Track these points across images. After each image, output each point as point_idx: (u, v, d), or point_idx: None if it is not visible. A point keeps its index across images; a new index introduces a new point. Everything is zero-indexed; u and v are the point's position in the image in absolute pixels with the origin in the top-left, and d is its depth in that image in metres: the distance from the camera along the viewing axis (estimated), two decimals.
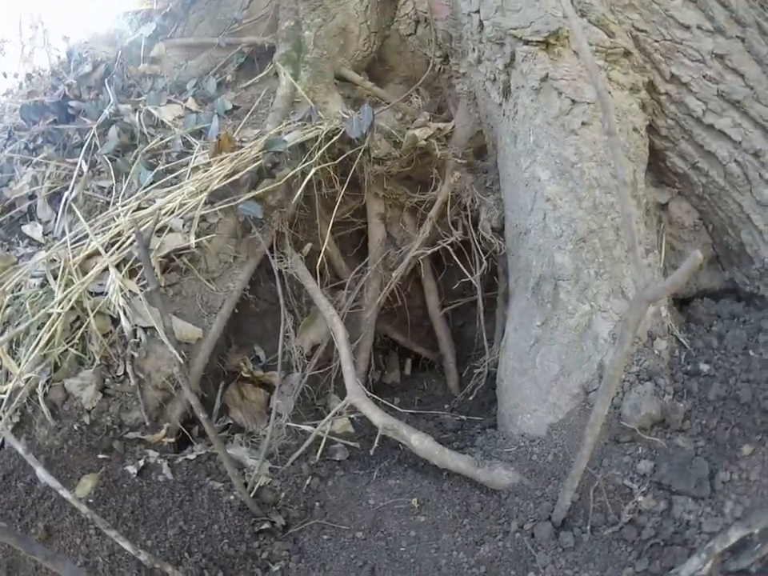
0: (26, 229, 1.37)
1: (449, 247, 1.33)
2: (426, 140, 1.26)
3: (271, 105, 1.35)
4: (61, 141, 1.56)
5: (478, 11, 1.12)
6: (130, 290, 1.03)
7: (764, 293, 1.10)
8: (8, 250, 1.31)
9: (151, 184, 1.20)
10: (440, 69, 1.47)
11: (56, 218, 1.34)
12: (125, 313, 1.00)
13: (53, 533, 0.85)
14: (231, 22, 1.63)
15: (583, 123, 1.02)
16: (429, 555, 0.93)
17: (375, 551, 0.95)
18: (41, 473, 0.78)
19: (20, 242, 1.36)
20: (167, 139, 1.28)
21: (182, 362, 0.91)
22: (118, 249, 1.06)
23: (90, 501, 0.89)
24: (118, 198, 1.23)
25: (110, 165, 1.32)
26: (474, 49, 1.19)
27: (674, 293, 1.10)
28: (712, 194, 1.14)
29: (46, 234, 1.34)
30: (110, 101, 1.49)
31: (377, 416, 1.04)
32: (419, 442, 1.00)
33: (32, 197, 1.47)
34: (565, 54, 1.02)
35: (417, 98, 1.58)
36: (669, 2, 1.03)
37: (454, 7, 1.25)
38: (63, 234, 1.23)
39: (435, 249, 1.35)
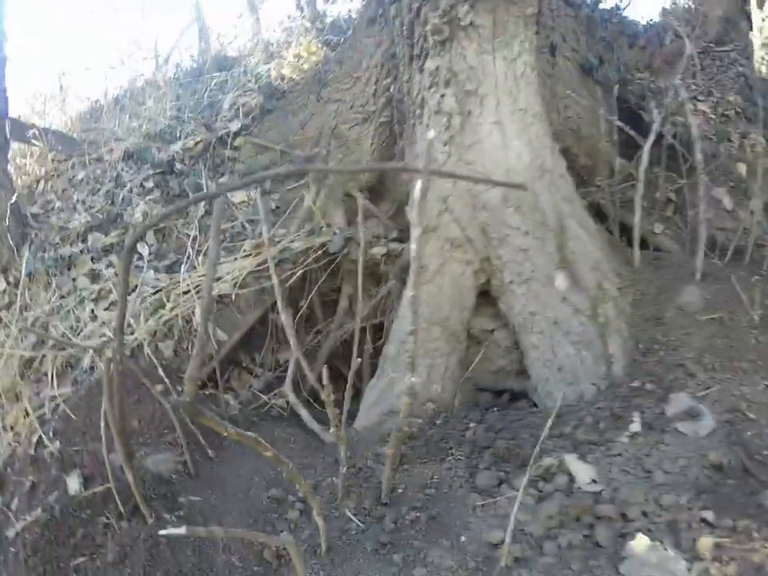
0: (138, 246, 2.41)
1: None
2: (381, 256, 2.22)
3: (297, 212, 2.35)
4: (165, 189, 2.60)
5: None
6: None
7: None
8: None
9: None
10: None
11: (158, 246, 2.37)
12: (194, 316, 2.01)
13: None
14: (288, 135, 2.63)
15: None
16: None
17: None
18: None
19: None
20: (232, 223, 2.31)
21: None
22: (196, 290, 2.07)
23: None
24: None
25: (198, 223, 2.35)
26: None
27: None
28: None
29: (150, 254, 2.37)
30: (201, 174, 2.53)
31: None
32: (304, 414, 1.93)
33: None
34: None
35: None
36: (504, 209, 1.88)
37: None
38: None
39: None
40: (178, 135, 2.74)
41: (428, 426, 1.73)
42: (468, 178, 1.66)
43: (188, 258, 2.21)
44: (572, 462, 1.32)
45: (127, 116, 3.22)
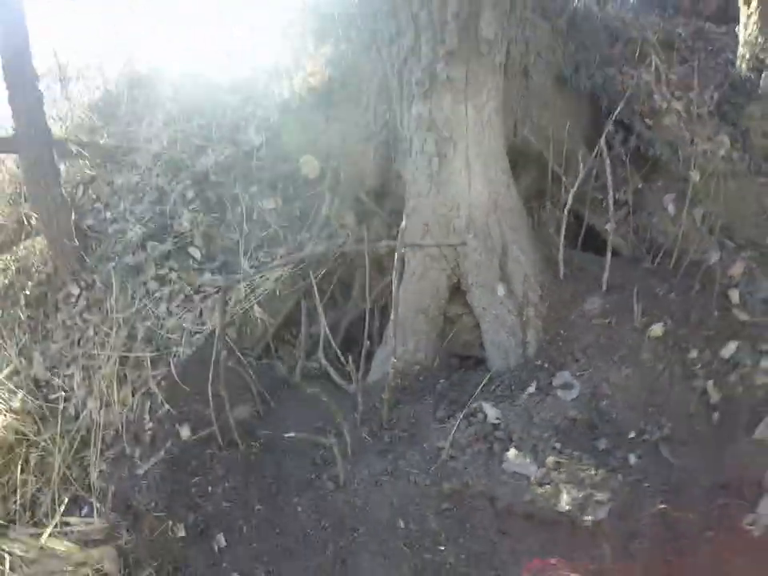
0: (191, 250, 3.78)
1: None
2: (383, 251, 3.57)
3: (317, 217, 3.67)
4: (204, 199, 3.93)
5: None
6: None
7: None
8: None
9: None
10: None
11: (207, 250, 3.74)
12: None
13: None
14: (303, 147, 3.88)
15: None
16: None
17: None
18: None
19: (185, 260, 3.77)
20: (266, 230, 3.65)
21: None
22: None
23: None
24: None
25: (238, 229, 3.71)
26: None
27: None
28: None
29: (201, 257, 3.74)
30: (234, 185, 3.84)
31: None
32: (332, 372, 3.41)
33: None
34: None
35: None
36: (467, 234, 3.25)
37: None
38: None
39: None
40: (204, 145, 4.02)
41: (415, 381, 3.21)
42: (427, 245, 3.11)
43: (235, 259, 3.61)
44: (487, 407, 2.79)
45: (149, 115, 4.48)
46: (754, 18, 3.97)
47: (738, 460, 2.79)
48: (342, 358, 3.14)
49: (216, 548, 2.71)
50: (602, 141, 3.28)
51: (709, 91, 4.38)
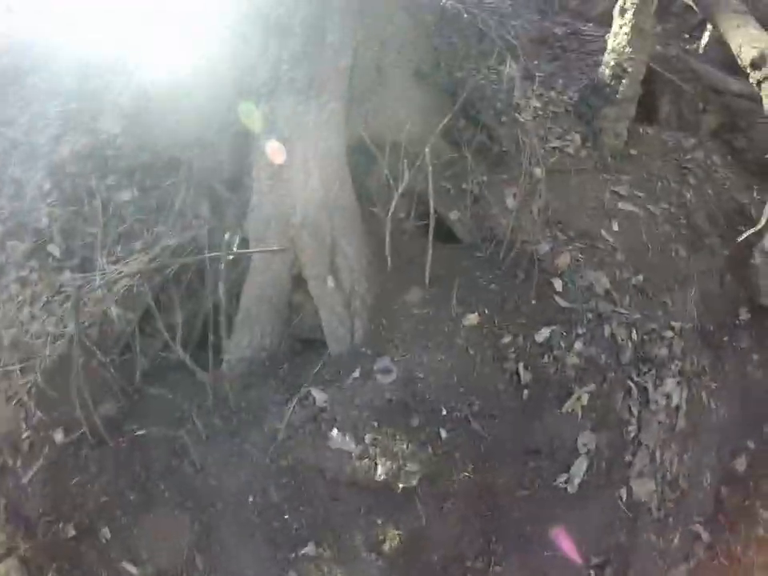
0: (50, 248, 4.11)
1: None
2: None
3: (172, 209, 4.09)
4: (63, 191, 4.28)
5: None
6: None
7: None
8: None
9: None
10: None
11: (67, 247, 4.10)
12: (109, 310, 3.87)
13: None
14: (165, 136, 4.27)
15: None
16: None
17: None
18: None
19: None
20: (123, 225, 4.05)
21: None
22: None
23: None
24: None
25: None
26: None
27: None
28: None
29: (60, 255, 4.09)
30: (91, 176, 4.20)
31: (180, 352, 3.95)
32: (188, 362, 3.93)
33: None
34: None
35: None
36: (302, 230, 3.76)
37: None
38: None
39: None
40: (59, 133, 4.35)
41: (261, 367, 3.76)
42: (250, 252, 3.64)
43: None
44: (316, 392, 3.41)
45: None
46: (626, 29, 4.51)
47: (548, 429, 3.45)
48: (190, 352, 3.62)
49: (104, 540, 3.22)
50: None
51: (570, 91, 5.03)
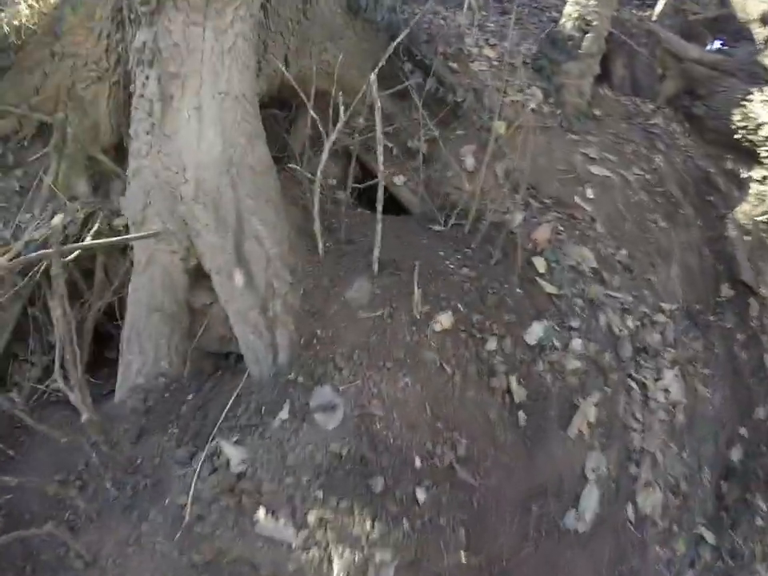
0: None
1: None
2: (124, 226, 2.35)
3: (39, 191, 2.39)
4: None
5: None
6: None
7: None
8: None
9: None
10: None
11: None
12: None
13: None
14: (29, 94, 2.54)
15: None
16: None
17: None
18: None
19: None
20: None
21: None
22: None
23: None
24: None
25: None
26: None
27: None
28: None
29: None
30: None
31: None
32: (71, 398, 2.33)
33: None
34: None
35: None
36: (195, 205, 2.06)
37: None
38: None
39: None
40: None
41: (161, 399, 2.09)
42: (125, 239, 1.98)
43: None
44: (228, 448, 1.75)
45: None
46: None
47: (553, 459, 2.06)
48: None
49: None
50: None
51: (527, 44, 3.54)
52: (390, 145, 2.63)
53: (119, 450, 2.01)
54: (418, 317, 1.93)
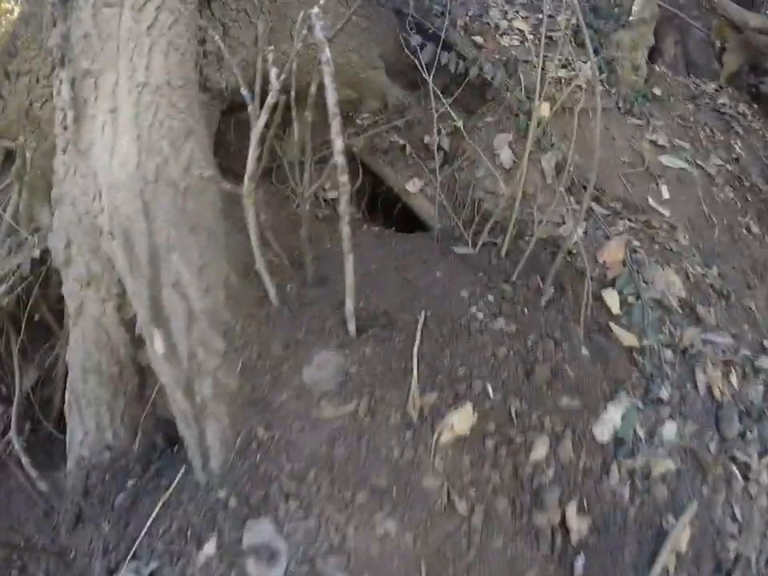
0: None
1: None
2: None
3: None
4: None
5: None
6: None
7: None
8: None
9: None
10: None
11: None
12: None
13: None
14: None
15: None
16: None
17: None
18: None
19: None
20: None
21: None
22: None
23: None
24: None
25: None
26: None
27: None
28: None
29: None
30: None
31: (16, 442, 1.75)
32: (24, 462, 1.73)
33: None
34: None
35: None
36: (111, 241, 1.38)
37: None
38: None
39: None
40: None
41: (103, 478, 1.45)
42: None
43: None
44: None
45: None
46: None
47: None
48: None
49: None
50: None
51: (565, 13, 2.56)
52: (402, 141, 1.81)
53: (56, 534, 1.42)
54: (416, 415, 1.07)
